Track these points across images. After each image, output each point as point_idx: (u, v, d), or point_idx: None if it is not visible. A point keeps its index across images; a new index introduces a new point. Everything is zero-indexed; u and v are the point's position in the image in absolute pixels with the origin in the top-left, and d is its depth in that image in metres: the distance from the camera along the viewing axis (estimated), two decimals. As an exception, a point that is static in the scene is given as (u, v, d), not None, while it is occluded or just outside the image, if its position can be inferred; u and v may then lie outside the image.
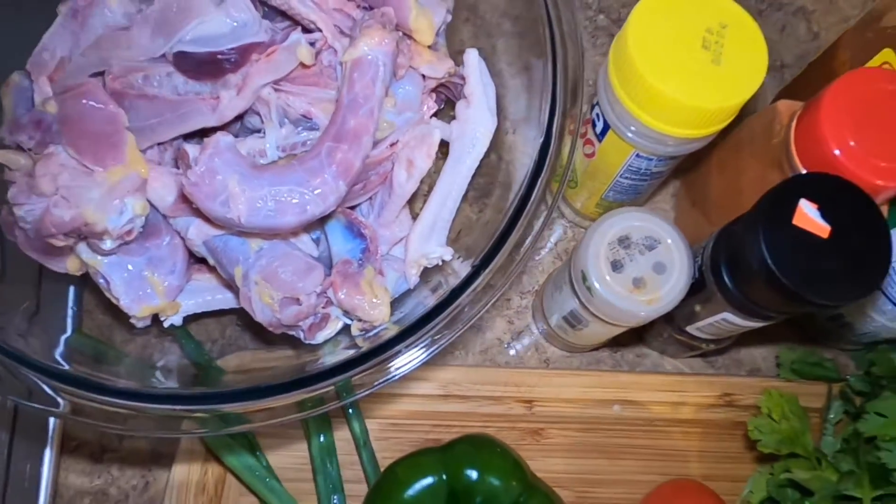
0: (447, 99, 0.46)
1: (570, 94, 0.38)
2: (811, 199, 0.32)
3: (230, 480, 0.43)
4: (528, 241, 0.35)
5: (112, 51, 0.39)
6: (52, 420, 0.44)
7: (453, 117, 0.46)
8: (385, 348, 0.35)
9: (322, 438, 0.43)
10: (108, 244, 0.37)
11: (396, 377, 0.35)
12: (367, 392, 0.35)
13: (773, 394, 0.39)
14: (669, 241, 0.36)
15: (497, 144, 0.43)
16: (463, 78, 0.43)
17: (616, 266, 0.36)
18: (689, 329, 0.42)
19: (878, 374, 0.42)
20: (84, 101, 0.37)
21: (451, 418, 0.45)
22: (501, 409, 0.45)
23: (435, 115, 0.44)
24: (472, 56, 0.43)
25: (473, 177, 0.43)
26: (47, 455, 0.44)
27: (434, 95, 0.44)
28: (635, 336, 0.49)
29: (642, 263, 0.36)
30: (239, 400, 0.35)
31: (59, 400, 0.34)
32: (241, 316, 0.46)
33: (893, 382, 0.41)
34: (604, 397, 0.45)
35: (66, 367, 0.38)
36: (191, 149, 0.36)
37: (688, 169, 0.49)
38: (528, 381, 0.45)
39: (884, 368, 0.42)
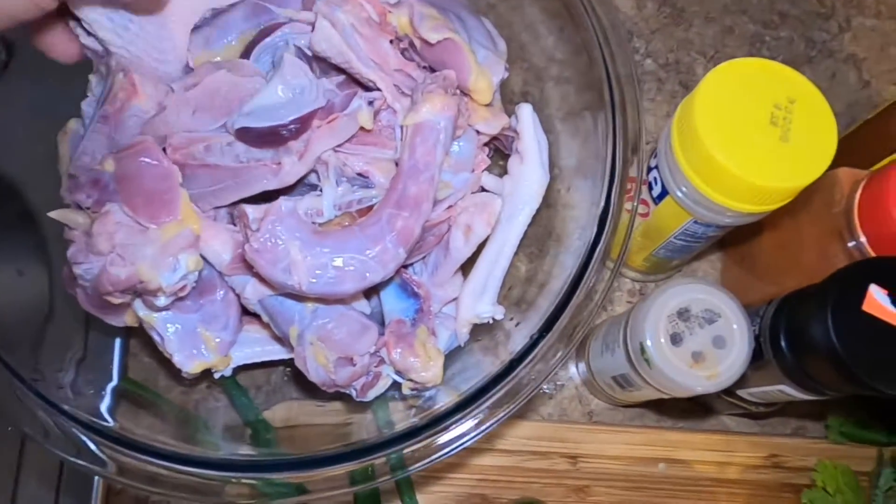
0: (497, 150, 0.46)
1: (631, 149, 0.38)
2: (882, 284, 0.31)
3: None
4: (588, 310, 0.35)
5: (153, 134, 0.39)
6: (96, 479, 0.45)
7: (503, 168, 0.46)
8: (441, 420, 0.35)
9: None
10: (161, 301, 0.37)
11: (452, 452, 0.35)
12: (420, 466, 0.35)
13: (826, 465, 0.39)
14: (730, 314, 0.36)
15: (549, 198, 0.43)
16: (514, 130, 0.43)
17: (675, 339, 0.35)
18: (740, 392, 0.41)
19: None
20: (140, 158, 0.37)
21: (495, 472, 0.45)
22: (546, 464, 0.45)
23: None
24: (525, 111, 0.42)
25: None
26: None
27: (485, 149, 0.44)
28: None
29: (702, 337, 0.35)
30: (287, 470, 0.35)
31: (105, 459, 0.34)
32: (289, 365, 0.47)
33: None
34: (649, 455, 0.45)
35: (112, 422, 0.38)
36: (250, 210, 0.36)
37: (739, 238, 0.49)
38: (573, 437, 0.45)
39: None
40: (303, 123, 0.38)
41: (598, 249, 0.37)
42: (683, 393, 0.37)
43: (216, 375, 0.41)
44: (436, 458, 0.35)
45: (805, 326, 0.33)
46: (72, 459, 0.34)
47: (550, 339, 0.36)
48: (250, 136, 0.38)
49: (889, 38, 0.58)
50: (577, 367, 0.49)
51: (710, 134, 0.33)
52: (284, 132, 0.37)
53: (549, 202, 0.43)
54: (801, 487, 0.44)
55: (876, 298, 0.31)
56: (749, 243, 0.47)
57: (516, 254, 0.43)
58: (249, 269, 0.38)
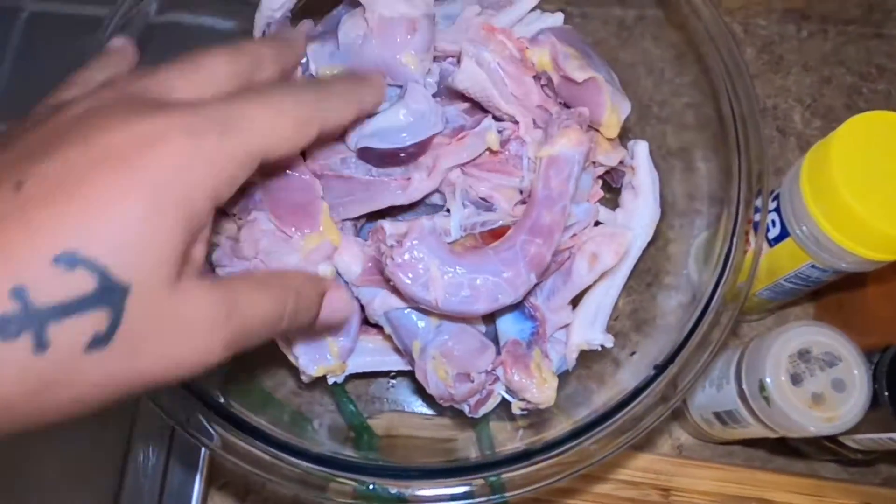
0: (605, 184, 0.48)
1: (754, 191, 0.39)
2: None
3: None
4: (707, 353, 0.36)
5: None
6: (203, 452, 0.46)
7: (609, 200, 0.47)
8: (553, 447, 0.36)
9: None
10: (296, 307, 0.38)
11: (558, 481, 0.36)
12: (522, 492, 0.36)
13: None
14: (850, 358, 0.36)
15: (655, 235, 0.44)
16: (628, 165, 0.45)
17: (795, 380, 0.36)
18: (843, 438, 0.42)
19: None
20: (286, 170, 0.39)
21: (588, 498, 0.45)
22: (638, 494, 0.45)
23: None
24: (641, 147, 0.44)
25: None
26: (196, 484, 0.45)
27: (599, 182, 0.45)
28: (770, 431, 0.49)
29: (822, 379, 0.36)
30: (390, 477, 0.36)
31: (212, 432, 0.35)
32: (392, 377, 0.48)
33: None
34: (740, 493, 0.45)
35: (222, 399, 0.39)
36: (388, 225, 0.38)
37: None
38: (665, 469, 0.46)
39: None
40: (420, 147, 0.39)
41: (718, 291, 0.38)
42: (797, 433, 0.37)
43: (330, 381, 0.42)
44: (540, 486, 0.36)
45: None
46: (179, 427, 0.36)
47: (667, 375, 0.37)
48: (371, 156, 0.40)
49: None
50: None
51: (845, 181, 0.34)
52: (403, 154, 0.39)
53: (651, 239, 0.44)
54: (893, 537, 0.44)
55: None
56: (850, 292, 0.47)
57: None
58: (379, 282, 0.39)
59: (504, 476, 0.37)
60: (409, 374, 0.45)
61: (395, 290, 0.38)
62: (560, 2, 0.53)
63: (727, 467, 0.46)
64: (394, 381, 0.48)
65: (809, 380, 0.36)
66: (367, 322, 0.43)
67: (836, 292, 0.49)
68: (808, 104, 0.58)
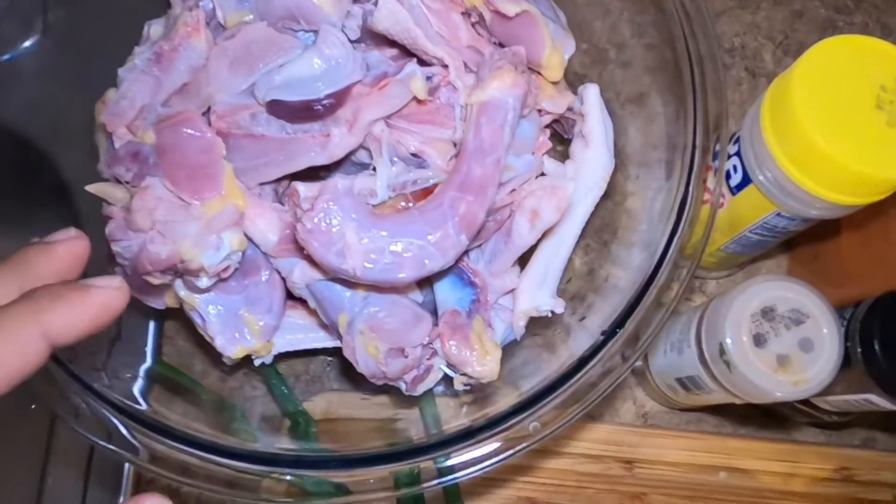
0: (555, 133, 0.43)
1: (713, 136, 0.35)
2: None
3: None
4: (662, 313, 0.32)
5: (196, 96, 0.36)
6: (127, 467, 0.43)
7: (559, 154, 0.43)
8: (498, 422, 0.33)
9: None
10: (203, 282, 0.34)
11: (507, 458, 0.32)
12: (471, 472, 0.32)
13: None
14: (819, 316, 0.33)
15: (608, 188, 0.40)
16: (577, 112, 0.41)
17: (759, 340, 0.33)
18: (815, 400, 0.39)
19: None
20: (182, 129, 0.35)
21: (545, 475, 0.42)
22: (599, 468, 0.42)
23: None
24: (591, 91, 0.40)
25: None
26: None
27: (546, 131, 0.41)
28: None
29: (787, 339, 0.33)
30: (329, 467, 0.32)
31: (137, 445, 0.32)
32: (330, 354, 0.45)
33: None
34: (710, 462, 0.42)
35: (145, 406, 0.36)
36: (302, 187, 0.34)
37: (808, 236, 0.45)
38: (628, 440, 0.43)
39: None
40: (338, 98, 0.35)
41: (673, 244, 0.34)
42: (762, 399, 0.34)
43: (256, 362, 0.39)
44: (490, 465, 0.33)
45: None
46: (103, 444, 0.32)
47: (619, 339, 0.33)
48: (282, 110, 0.35)
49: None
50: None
51: (810, 117, 0.30)
52: (318, 107, 0.35)
53: (607, 192, 0.40)
54: (874, 503, 0.41)
55: None
56: (824, 242, 0.44)
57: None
58: (298, 251, 0.35)
59: (451, 457, 0.33)
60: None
61: (311, 260, 0.34)
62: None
63: (695, 435, 0.43)
64: (332, 359, 0.44)
65: (774, 340, 0.32)
66: (293, 297, 0.39)
67: (810, 242, 0.46)
68: (779, 41, 0.54)
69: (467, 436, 0.33)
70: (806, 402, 0.39)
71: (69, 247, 0.24)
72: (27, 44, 0.41)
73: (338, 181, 0.32)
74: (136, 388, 0.39)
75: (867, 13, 0.54)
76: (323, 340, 0.40)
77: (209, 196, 0.33)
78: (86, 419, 0.32)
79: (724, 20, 0.54)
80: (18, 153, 0.41)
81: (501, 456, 0.33)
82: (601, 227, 0.42)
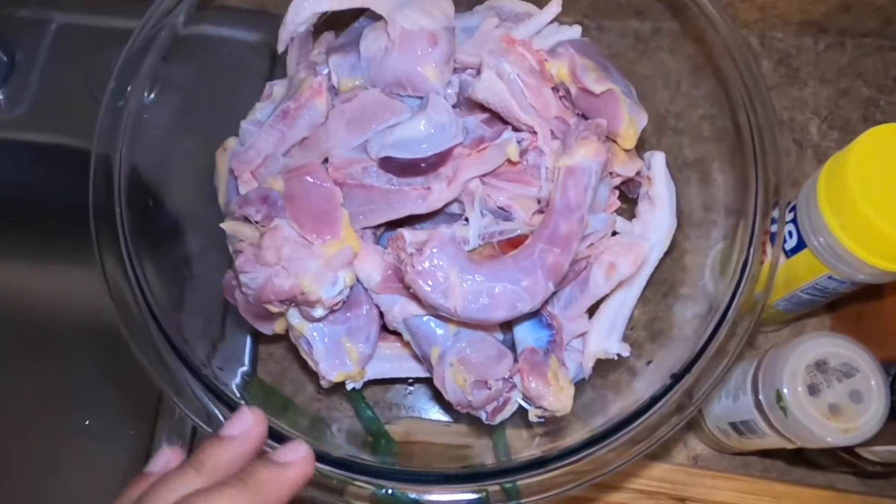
0: (622, 194, 0.48)
1: (770, 203, 0.39)
2: None
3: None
4: (724, 363, 0.36)
5: (315, 149, 0.42)
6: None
7: (626, 211, 0.47)
8: (569, 454, 0.36)
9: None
10: (318, 312, 0.39)
11: (573, 488, 0.36)
12: (537, 499, 0.36)
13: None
14: (867, 369, 0.36)
15: (670, 245, 0.44)
16: (645, 176, 0.45)
17: (813, 390, 0.36)
18: (860, 450, 0.42)
19: None
20: (308, 178, 0.40)
21: (601, 506, 0.45)
22: (653, 503, 0.45)
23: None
24: (658, 159, 0.44)
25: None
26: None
27: (616, 192, 0.46)
28: (787, 443, 0.49)
29: (839, 390, 0.36)
30: (407, 481, 0.36)
31: None
32: (410, 383, 0.49)
33: None
34: (757, 503, 0.45)
35: (240, 399, 0.40)
36: (408, 234, 0.38)
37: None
38: (680, 479, 0.46)
39: None
40: (441, 158, 0.40)
41: (735, 301, 0.38)
42: (814, 444, 0.38)
43: (349, 387, 0.43)
44: (554, 494, 0.36)
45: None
46: (202, 425, 0.36)
47: (683, 385, 0.37)
48: (392, 166, 0.41)
49: None
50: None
51: (862, 191, 0.35)
52: (423, 164, 0.40)
53: (668, 249, 0.44)
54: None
55: None
56: (867, 302, 0.47)
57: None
58: (399, 289, 0.40)
59: (519, 482, 0.37)
60: (427, 381, 0.45)
61: (415, 298, 0.38)
62: (577, 14, 0.54)
63: (743, 478, 0.46)
64: (412, 388, 0.48)
65: (826, 390, 0.36)
66: (385, 329, 0.43)
67: (853, 303, 0.49)
68: (824, 116, 0.58)
69: (539, 464, 0.37)
70: (850, 451, 0.43)
71: (301, 471, 0.28)
72: (152, 96, 0.46)
73: (444, 230, 0.37)
74: (234, 383, 0.43)
75: (907, 94, 0.59)
76: (409, 371, 0.45)
77: (329, 238, 0.38)
78: (188, 398, 0.37)
79: (774, 95, 0.59)
80: (149, 193, 0.46)
81: (566, 487, 0.36)
82: (659, 281, 0.46)
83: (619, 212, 0.46)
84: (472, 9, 0.51)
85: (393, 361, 0.45)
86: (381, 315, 0.42)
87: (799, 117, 0.58)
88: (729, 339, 0.37)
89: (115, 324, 0.38)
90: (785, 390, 0.36)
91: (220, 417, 0.37)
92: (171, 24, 0.44)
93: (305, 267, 0.38)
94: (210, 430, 0.36)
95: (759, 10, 0.58)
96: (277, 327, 0.42)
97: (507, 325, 0.43)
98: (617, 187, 0.46)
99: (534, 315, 0.42)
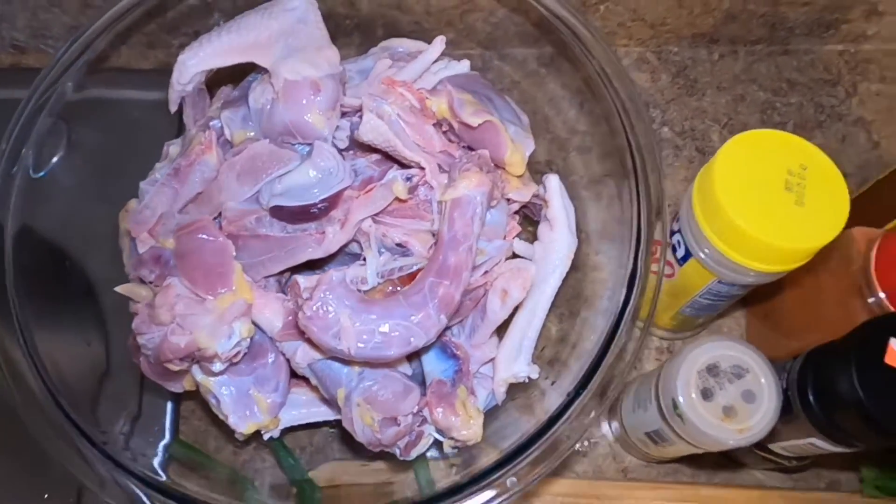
0: (526, 217, 0.49)
1: (655, 213, 0.41)
2: (902, 339, 0.33)
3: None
4: (620, 369, 0.37)
5: (208, 203, 0.42)
6: None
7: (531, 233, 0.48)
8: (481, 478, 0.37)
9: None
10: (217, 366, 0.39)
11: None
12: None
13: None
14: (757, 369, 0.37)
15: (576, 261, 0.45)
16: (542, 198, 0.46)
17: (706, 395, 0.37)
18: (773, 447, 0.43)
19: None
20: (198, 235, 0.40)
21: (534, 530, 0.45)
22: (584, 521, 0.46)
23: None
24: (553, 181, 0.45)
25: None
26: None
27: (516, 217, 0.47)
28: (712, 446, 0.49)
29: (731, 392, 0.37)
30: None
31: None
32: (332, 426, 0.49)
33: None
34: (685, 511, 0.46)
35: (164, 478, 0.40)
36: (301, 279, 0.39)
37: (760, 296, 0.50)
38: (609, 493, 0.46)
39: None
40: (331, 202, 0.41)
41: (627, 310, 0.39)
42: (716, 447, 0.38)
43: (265, 436, 0.43)
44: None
45: (831, 380, 0.35)
46: None
47: (585, 397, 0.38)
48: (283, 214, 0.41)
49: (895, 102, 0.61)
50: (609, 424, 0.50)
51: (730, 200, 0.36)
52: (314, 210, 0.41)
53: (576, 265, 0.45)
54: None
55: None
56: (772, 301, 0.49)
57: (547, 315, 0.45)
58: (300, 334, 0.40)
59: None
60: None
61: (312, 342, 0.38)
62: (477, 45, 0.55)
63: (671, 485, 0.47)
64: (334, 431, 0.48)
65: (719, 393, 0.37)
66: (297, 375, 0.44)
67: (761, 302, 0.51)
68: (724, 123, 0.60)
69: (454, 492, 0.37)
70: (766, 449, 0.43)
71: None
72: (55, 160, 0.47)
73: (332, 273, 0.38)
74: (157, 462, 0.43)
75: (801, 94, 0.61)
76: (324, 415, 0.45)
77: (222, 292, 0.39)
78: (111, 488, 0.36)
79: (674, 106, 0.61)
80: (51, 258, 0.46)
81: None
82: (573, 297, 0.47)
83: (527, 235, 0.47)
84: (367, 51, 0.52)
85: (309, 406, 0.45)
86: (289, 362, 0.42)
87: (700, 126, 0.60)
88: (625, 348, 0.38)
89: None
90: (680, 398, 0.37)
91: (145, 499, 0.37)
92: (59, 92, 0.44)
93: (199, 323, 0.38)
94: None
95: (651, 28, 0.60)
96: (186, 384, 0.42)
97: (416, 357, 0.43)
98: (518, 212, 0.47)
99: (439, 346, 0.42)
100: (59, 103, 0.45)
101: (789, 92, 0.61)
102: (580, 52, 0.45)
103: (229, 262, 0.39)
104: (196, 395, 0.46)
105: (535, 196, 0.46)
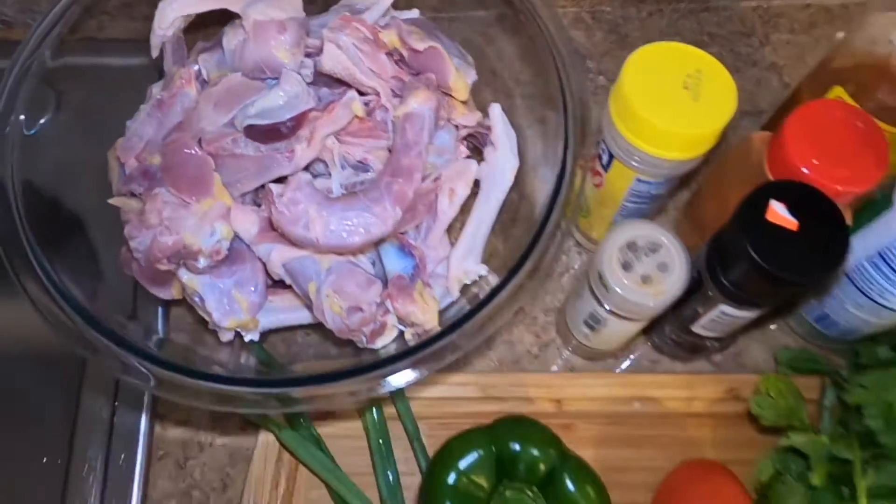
0: (475, 147, 0.55)
1: (580, 137, 0.47)
2: (779, 199, 0.39)
3: (300, 477, 0.49)
4: (549, 252, 0.43)
5: (189, 129, 0.48)
6: (142, 429, 0.51)
7: (482, 160, 0.54)
8: (429, 344, 0.42)
9: (381, 441, 0.50)
10: (202, 262, 0.44)
11: (436, 369, 0.42)
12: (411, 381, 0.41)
13: (770, 377, 0.46)
14: (669, 244, 0.43)
15: (519, 185, 0.51)
16: (488, 128, 0.52)
17: (626, 266, 0.43)
18: (695, 328, 0.49)
19: (863, 364, 0.49)
20: (182, 150, 0.46)
21: (490, 417, 0.51)
22: (533, 408, 0.51)
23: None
24: (495, 109, 0.52)
25: (500, 212, 0.51)
26: (138, 459, 0.50)
27: (464, 142, 0.53)
28: (651, 344, 0.55)
29: (648, 263, 0.43)
30: (304, 384, 0.41)
31: (150, 376, 0.41)
32: (311, 329, 0.54)
33: (875, 368, 0.48)
34: (624, 395, 0.51)
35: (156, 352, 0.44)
36: (274, 188, 0.44)
37: (686, 200, 0.57)
38: (556, 383, 0.52)
39: (867, 358, 0.48)
40: (298, 121, 0.47)
41: (556, 204, 0.45)
42: (639, 313, 0.44)
43: (246, 338, 0.48)
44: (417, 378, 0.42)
45: (728, 247, 0.41)
46: (122, 375, 0.41)
47: (515, 278, 0.43)
48: (256, 133, 0.47)
49: (804, 49, 0.68)
50: (559, 337, 0.56)
51: (637, 98, 0.42)
52: (283, 129, 0.46)
53: (520, 191, 0.51)
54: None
55: (776, 210, 0.39)
56: (694, 205, 0.55)
57: (493, 232, 0.51)
58: (273, 237, 0.46)
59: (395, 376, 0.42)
60: (320, 328, 0.51)
61: (287, 241, 0.44)
62: (428, 9, 0.61)
63: (612, 374, 0.52)
64: (310, 336, 0.53)
65: (637, 265, 0.43)
66: (277, 285, 0.49)
67: (686, 207, 0.57)
68: (653, 71, 0.67)
69: (407, 354, 0.42)
70: (690, 333, 0.49)
71: None
72: (43, 120, 0.52)
73: (301, 175, 0.43)
74: (151, 344, 0.47)
75: (720, 45, 0.68)
76: (302, 319, 0.50)
77: (204, 197, 0.44)
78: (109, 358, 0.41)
79: (608, 58, 0.68)
80: (49, 205, 0.51)
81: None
82: (513, 216, 0.53)
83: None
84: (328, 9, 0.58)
85: (286, 312, 0.50)
86: (266, 269, 0.47)
87: (631, 74, 0.67)
88: (553, 236, 0.44)
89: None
90: (605, 270, 0.43)
91: (138, 365, 0.41)
92: (40, 59, 0.49)
93: (185, 223, 0.43)
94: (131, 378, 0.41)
95: (585, -11, 0.68)
96: (175, 292, 0.47)
97: (381, 261, 0.49)
98: (467, 139, 0.54)
99: (398, 247, 0.48)
100: (42, 69, 0.50)
101: (710, 43, 0.68)
102: (526, 12, 0.51)
103: (210, 173, 0.45)
104: (183, 304, 0.51)
105: (481, 125, 0.53)
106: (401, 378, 0.41)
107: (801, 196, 0.40)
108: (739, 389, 0.52)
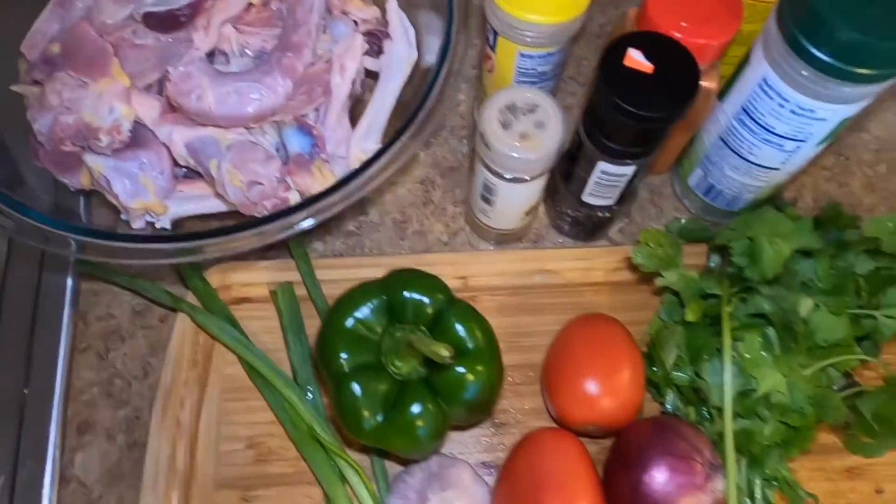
0: (380, 49, 0.57)
1: (463, 19, 0.50)
2: (636, 47, 0.43)
3: (217, 355, 0.51)
4: (427, 105, 0.46)
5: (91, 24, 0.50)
6: (64, 322, 0.53)
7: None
8: (323, 195, 0.44)
9: (292, 316, 0.52)
10: (103, 141, 0.46)
11: (332, 212, 0.44)
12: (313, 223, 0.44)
13: (649, 231, 0.49)
14: (546, 105, 0.46)
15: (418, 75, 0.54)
16: (387, 25, 0.55)
17: (505, 125, 0.46)
18: (585, 197, 0.52)
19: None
20: (80, 33, 0.48)
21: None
22: (442, 285, 0.54)
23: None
24: (392, 4, 0.54)
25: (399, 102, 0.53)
26: (61, 351, 0.52)
27: (366, 40, 0.55)
28: (551, 228, 0.58)
29: (525, 122, 0.46)
30: (212, 237, 0.43)
31: (71, 242, 0.43)
32: (225, 217, 0.56)
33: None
34: (526, 268, 0.54)
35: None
36: (171, 70, 0.47)
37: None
38: (462, 261, 0.55)
39: (740, 223, 0.52)
40: (193, 8, 0.49)
41: (443, 69, 0.48)
42: (523, 170, 0.47)
43: (157, 225, 0.50)
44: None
45: (596, 100, 0.44)
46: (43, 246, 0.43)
47: (406, 136, 0.46)
48: (153, 20, 0.49)
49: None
50: (465, 217, 0.59)
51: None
52: (182, 17, 0.48)
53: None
54: (650, 278, 0.53)
55: (633, 56, 0.42)
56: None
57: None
58: (173, 119, 0.48)
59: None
60: (235, 216, 0.53)
61: (188, 120, 0.46)
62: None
63: (515, 251, 0.55)
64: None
65: (516, 123, 0.46)
66: (193, 175, 0.51)
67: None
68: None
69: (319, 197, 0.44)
70: (584, 204, 0.52)
71: None
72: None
73: (193, 52, 0.46)
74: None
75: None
76: (208, 207, 0.52)
77: (101, 77, 0.46)
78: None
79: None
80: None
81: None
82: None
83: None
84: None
85: (197, 201, 0.52)
86: (173, 156, 0.50)
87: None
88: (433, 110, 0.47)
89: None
90: (486, 130, 0.46)
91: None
92: None
93: (84, 103, 0.45)
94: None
95: None
96: (84, 180, 0.49)
97: (283, 143, 0.51)
98: (370, 41, 0.56)
99: (297, 128, 0.50)
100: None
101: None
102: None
103: (108, 56, 0.47)
104: (103, 203, 0.52)
105: (380, 23, 0.55)
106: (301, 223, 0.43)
107: (656, 44, 0.43)
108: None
